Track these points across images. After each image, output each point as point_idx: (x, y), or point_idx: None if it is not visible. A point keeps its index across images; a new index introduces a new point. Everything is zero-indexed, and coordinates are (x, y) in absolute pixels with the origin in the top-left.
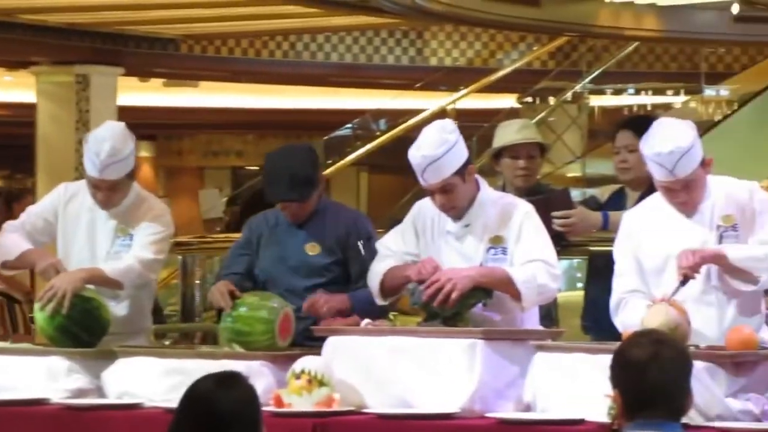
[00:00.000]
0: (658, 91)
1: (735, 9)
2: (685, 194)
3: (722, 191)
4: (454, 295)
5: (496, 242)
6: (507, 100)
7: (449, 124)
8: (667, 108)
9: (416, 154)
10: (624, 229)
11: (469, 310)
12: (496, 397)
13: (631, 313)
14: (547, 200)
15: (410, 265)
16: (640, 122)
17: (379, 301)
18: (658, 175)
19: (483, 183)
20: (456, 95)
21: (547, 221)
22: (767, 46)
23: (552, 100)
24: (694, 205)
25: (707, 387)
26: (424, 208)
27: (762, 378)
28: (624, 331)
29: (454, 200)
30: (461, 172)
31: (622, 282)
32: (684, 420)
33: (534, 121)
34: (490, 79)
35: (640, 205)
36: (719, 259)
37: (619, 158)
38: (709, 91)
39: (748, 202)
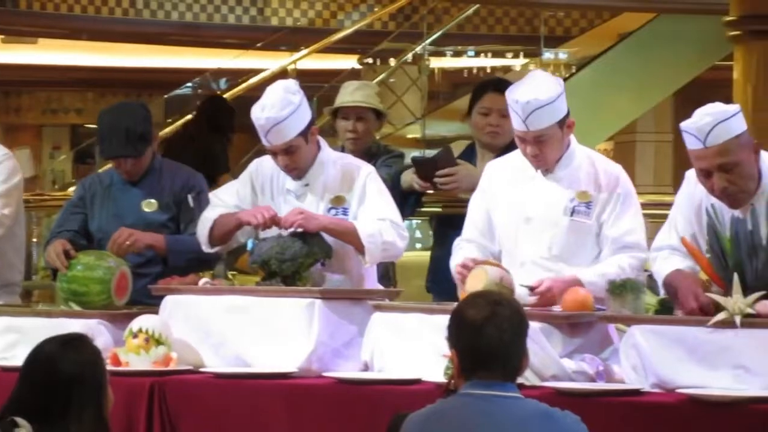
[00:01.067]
0: (497, 54)
1: None
2: (536, 148)
3: (585, 164)
4: (310, 227)
5: (337, 203)
6: (348, 61)
7: (293, 85)
8: (506, 71)
9: (260, 115)
10: (484, 179)
11: (308, 269)
12: (334, 356)
13: (458, 257)
14: (433, 161)
15: (243, 211)
16: (500, 82)
17: (207, 248)
18: (514, 123)
19: (324, 143)
20: (297, 55)
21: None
22: (606, 10)
23: (392, 62)
24: (547, 163)
25: (543, 347)
26: (263, 165)
27: (597, 339)
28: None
29: (297, 161)
30: (305, 133)
31: (465, 230)
32: (519, 380)
33: (374, 82)
34: (331, 40)
35: (504, 157)
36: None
37: (486, 121)
38: (548, 54)
39: (612, 187)
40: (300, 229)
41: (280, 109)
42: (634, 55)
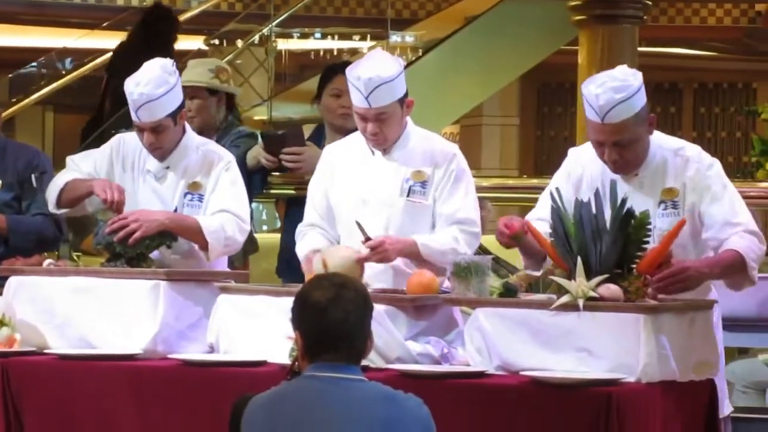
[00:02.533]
0: (344, 36)
1: None
2: (376, 126)
3: (422, 145)
4: (136, 235)
5: (194, 188)
6: (195, 42)
7: (170, 65)
8: (353, 53)
9: (134, 90)
10: (321, 162)
11: (153, 251)
12: (179, 338)
13: (305, 245)
14: (282, 137)
15: (97, 180)
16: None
17: (54, 209)
18: (355, 100)
19: (188, 128)
20: None
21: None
22: None
23: (239, 43)
24: (386, 141)
25: (388, 330)
26: (127, 141)
27: (442, 322)
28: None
29: (163, 141)
30: (174, 115)
31: (307, 215)
32: (364, 362)
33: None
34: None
35: (343, 140)
36: (411, 250)
37: (337, 102)
38: (394, 37)
39: (445, 166)
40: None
41: (155, 86)
42: (481, 38)
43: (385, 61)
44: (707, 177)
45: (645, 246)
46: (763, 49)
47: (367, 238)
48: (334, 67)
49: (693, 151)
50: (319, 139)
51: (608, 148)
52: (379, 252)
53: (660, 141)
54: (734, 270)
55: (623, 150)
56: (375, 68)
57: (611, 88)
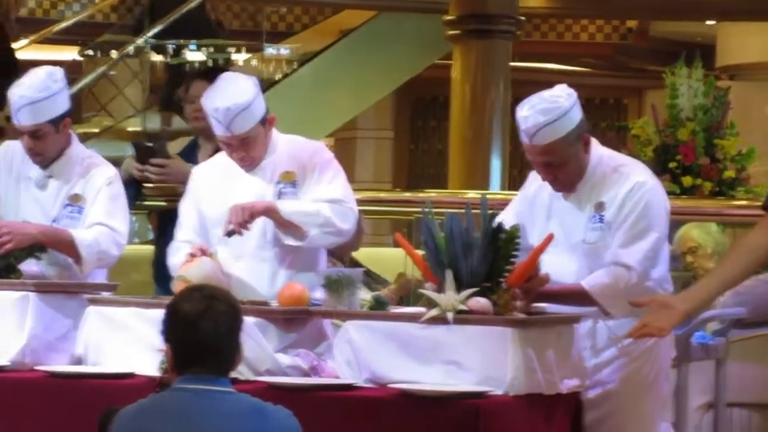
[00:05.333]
0: (219, 49)
1: None
2: (243, 150)
3: (288, 149)
4: (8, 246)
5: (74, 200)
6: (69, 53)
7: (58, 73)
8: (229, 65)
9: (15, 92)
10: (190, 183)
11: (22, 263)
12: (48, 350)
13: (176, 260)
14: (152, 149)
15: None
16: (212, 72)
17: None
18: (217, 130)
19: (75, 139)
20: (15, 46)
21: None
22: (328, 7)
23: (114, 54)
24: (254, 162)
25: (258, 342)
26: (13, 148)
27: (312, 334)
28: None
29: (43, 148)
30: (56, 122)
31: (179, 232)
32: (234, 374)
33: (96, 74)
34: (52, 30)
35: (209, 160)
36: (270, 213)
37: (192, 107)
38: (270, 50)
39: (311, 159)
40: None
41: (36, 90)
42: (355, 52)
43: (240, 86)
44: (632, 198)
45: (514, 260)
46: (634, 65)
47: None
48: (190, 75)
49: (631, 168)
50: (193, 150)
51: (541, 168)
52: (236, 217)
53: (602, 157)
54: (577, 301)
55: (555, 170)
56: (231, 96)
57: (539, 110)
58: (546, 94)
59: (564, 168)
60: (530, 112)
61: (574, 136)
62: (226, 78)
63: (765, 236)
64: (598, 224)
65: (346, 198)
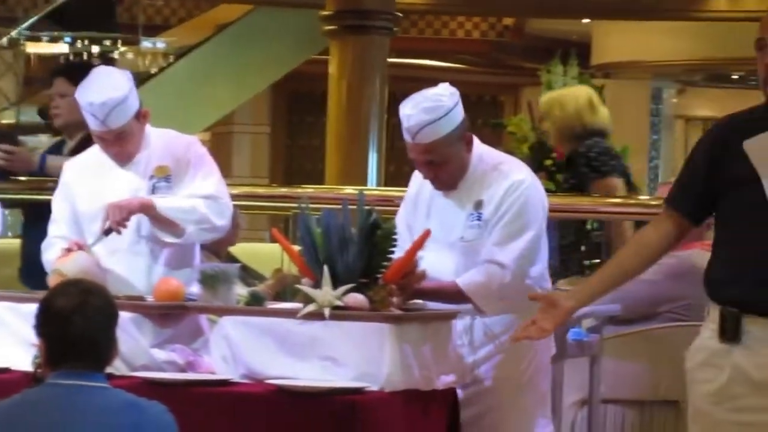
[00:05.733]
0: (95, 41)
1: None
2: (118, 145)
3: (161, 143)
4: None
5: None
6: None
7: None
8: (104, 58)
9: None
10: (62, 177)
11: None
12: None
13: (51, 255)
14: (6, 134)
15: None
16: (74, 70)
17: None
18: (92, 125)
19: None
20: None
21: None
22: (205, 1)
23: None
24: (128, 156)
25: (133, 337)
26: None
27: (188, 329)
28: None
29: None
30: None
31: (53, 227)
32: (109, 369)
33: None
34: None
35: (81, 154)
36: (147, 209)
37: (53, 104)
38: (146, 43)
39: (184, 154)
40: None
41: None
42: (232, 46)
43: (115, 80)
44: (509, 197)
45: (390, 256)
46: (511, 62)
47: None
48: (52, 73)
49: (510, 166)
50: (58, 148)
51: (423, 167)
52: (114, 215)
53: (483, 155)
54: (452, 298)
55: (437, 169)
56: (106, 90)
57: (423, 108)
58: (429, 92)
59: (445, 166)
60: (414, 110)
61: (457, 136)
62: (100, 72)
63: (657, 234)
64: (476, 222)
65: (221, 194)
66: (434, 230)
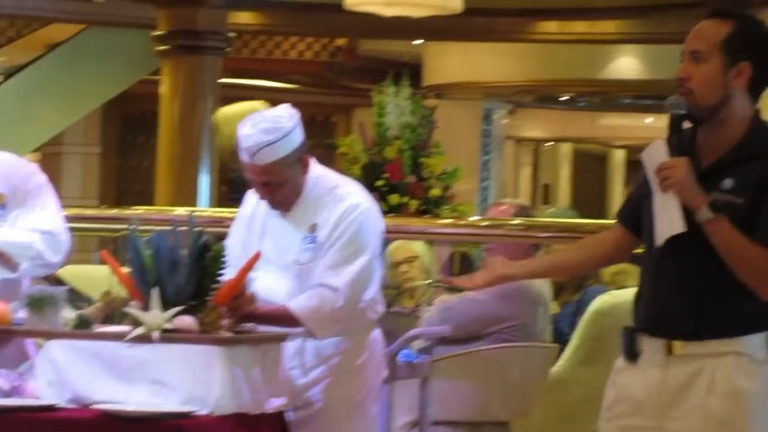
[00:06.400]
0: None
1: None
2: None
3: (1, 169)
4: None
5: None
6: None
7: None
8: None
9: None
10: None
11: None
12: None
13: None
14: None
15: None
16: None
17: None
18: None
19: None
20: None
21: None
22: (35, 21)
23: None
24: None
25: None
26: None
27: (14, 354)
28: None
29: None
30: None
31: None
32: None
33: None
34: None
35: None
36: None
37: None
38: None
39: (23, 183)
40: None
41: None
42: (63, 66)
43: None
44: (344, 221)
45: (220, 278)
46: (343, 83)
47: None
48: None
49: (346, 190)
50: None
51: (259, 187)
52: None
53: (319, 177)
54: (284, 322)
55: (273, 190)
56: None
57: (261, 129)
58: (269, 113)
59: (282, 188)
60: (252, 130)
61: (295, 158)
62: None
63: (598, 239)
64: (310, 245)
65: (58, 229)
66: (268, 252)
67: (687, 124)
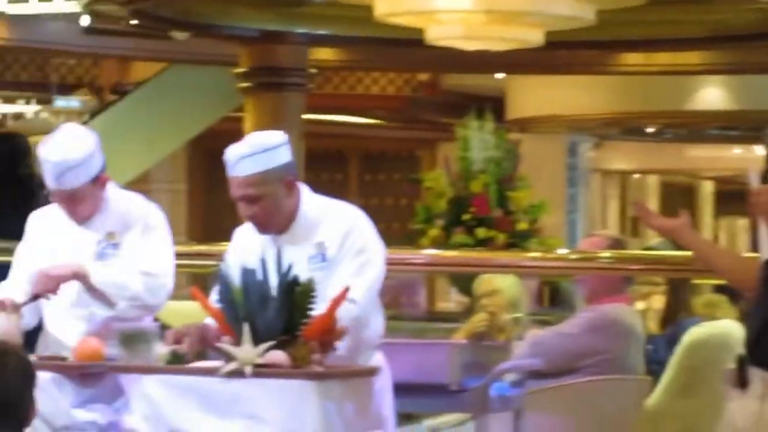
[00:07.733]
0: (8, 100)
1: (84, 21)
2: (70, 205)
3: (120, 208)
4: None
5: None
6: None
7: None
8: (18, 117)
9: None
10: (27, 228)
11: None
12: None
13: None
14: None
15: None
16: None
17: None
18: (47, 180)
19: None
20: None
21: None
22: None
23: None
24: (82, 217)
25: (52, 397)
26: None
27: (109, 389)
28: None
29: None
30: None
31: (12, 272)
32: (28, 430)
33: None
34: None
35: (47, 207)
36: (79, 277)
37: None
38: (60, 102)
39: (137, 221)
40: None
41: None
42: (147, 104)
43: (77, 141)
44: (354, 230)
45: (310, 313)
46: (426, 117)
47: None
48: None
49: (339, 205)
50: None
51: (240, 202)
52: (43, 285)
53: (311, 199)
54: None
55: (253, 205)
56: (65, 150)
57: (246, 143)
58: (261, 133)
59: (261, 204)
60: (240, 145)
61: (276, 175)
62: (65, 130)
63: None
64: (321, 264)
65: (162, 272)
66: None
67: None
